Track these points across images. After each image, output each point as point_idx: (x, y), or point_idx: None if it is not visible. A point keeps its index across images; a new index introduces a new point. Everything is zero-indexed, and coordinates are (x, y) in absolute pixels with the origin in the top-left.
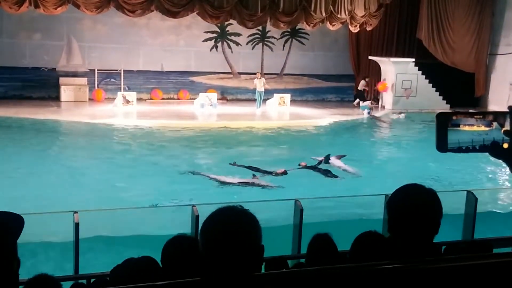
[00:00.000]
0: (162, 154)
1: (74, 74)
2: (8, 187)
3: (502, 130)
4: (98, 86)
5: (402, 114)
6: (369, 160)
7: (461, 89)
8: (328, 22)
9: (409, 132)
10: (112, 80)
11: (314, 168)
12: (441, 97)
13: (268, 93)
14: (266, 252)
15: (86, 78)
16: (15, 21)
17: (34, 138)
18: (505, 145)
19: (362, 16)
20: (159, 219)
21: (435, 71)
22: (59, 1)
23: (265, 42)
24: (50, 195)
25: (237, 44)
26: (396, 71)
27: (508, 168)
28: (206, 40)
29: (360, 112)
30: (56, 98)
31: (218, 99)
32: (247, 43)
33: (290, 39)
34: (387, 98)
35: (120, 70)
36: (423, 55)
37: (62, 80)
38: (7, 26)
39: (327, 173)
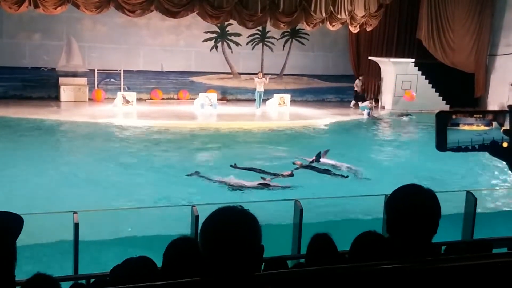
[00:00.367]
0: (163, 154)
1: (74, 74)
2: (7, 187)
3: (502, 129)
4: (98, 86)
5: (407, 117)
6: (369, 160)
7: (460, 89)
8: (328, 23)
9: (409, 132)
10: (112, 80)
11: (312, 167)
12: (441, 98)
13: (268, 93)
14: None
15: (86, 78)
16: (14, 21)
17: (33, 138)
18: (505, 144)
19: (362, 17)
20: (161, 219)
21: (435, 72)
22: (58, 1)
23: (265, 42)
24: (49, 195)
25: (237, 44)
26: (396, 72)
27: (508, 167)
28: (206, 40)
29: (360, 113)
30: (56, 98)
31: (218, 99)
32: (247, 43)
33: (290, 40)
34: (387, 98)
35: (120, 70)
36: (423, 56)
37: (61, 80)
38: (7, 26)
39: (329, 172)
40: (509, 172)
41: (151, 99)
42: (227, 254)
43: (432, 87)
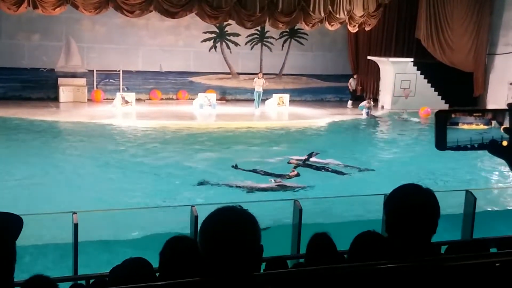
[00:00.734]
0: (164, 155)
1: (73, 75)
2: (7, 188)
3: (502, 128)
4: (97, 87)
5: (404, 114)
6: (369, 159)
7: (459, 88)
8: (326, 22)
9: (408, 132)
10: (111, 80)
11: (308, 166)
12: (440, 97)
13: (267, 93)
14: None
15: (85, 79)
16: (13, 22)
17: (33, 139)
18: (505, 143)
19: (360, 16)
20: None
21: (433, 71)
22: (57, 2)
23: (264, 42)
24: (48, 196)
25: (236, 44)
26: (395, 71)
27: (508, 166)
28: (205, 40)
29: (359, 112)
30: (55, 98)
31: (217, 100)
32: (246, 43)
33: (289, 39)
34: (386, 98)
35: (119, 71)
36: (422, 55)
37: (61, 80)
38: (6, 26)
39: (327, 169)
40: (509, 170)
41: (150, 99)
42: (226, 254)
43: (431, 86)
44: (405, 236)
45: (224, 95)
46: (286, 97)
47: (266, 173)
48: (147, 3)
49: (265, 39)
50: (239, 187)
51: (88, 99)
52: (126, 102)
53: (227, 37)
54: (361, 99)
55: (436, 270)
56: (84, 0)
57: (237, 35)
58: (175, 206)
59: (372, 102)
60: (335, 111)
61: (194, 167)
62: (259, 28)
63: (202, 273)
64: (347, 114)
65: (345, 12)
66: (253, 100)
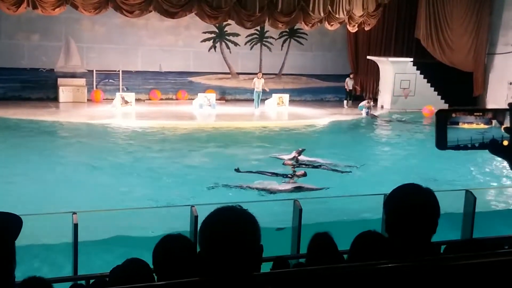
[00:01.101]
0: (165, 155)
1: (73, 75)
2: (6, 188)
3: (502, 127)
4: (96, 87)
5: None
6: (369, 159)
7: (459, 88)
8: (326, 22)
9: (408, 132)
10: (110, 80)
11: (303, 165)
12: (440, 97)
13: (267, 93)
14: None
15: (84, 79)
16: (13, 22)
17: (32, 139)
18: (505, 143)
19: (360, 16)
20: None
21: (433, 71)
22: (57, 2)
23: (264, 42)
24: (48, 196)
25: (236, 44)
26: (395, 71)
27: (508, 165)
28: (204, 40)
29: (359, 112)
30: (55, 99)
31: (216, 100)
32: (245, 43)
33: (289, 39)
34: (385, 98)
35: (119, 71)
36: (422, 55)
37: (60, 81)
38: (5, 27)
39: (323, 168)
40: (510, 170)
41: (149, 99)
42: (226, 254)
43: (431, 86)
44: (405, 236)
45: (224, 95)
46: (286, 97)
47: (273, 174)
48: (146, 3)
49: (264, 39)
50: (258, 189)
51: (87, 99)
52: (126, 102)
53: (227, 37)
54: (361, 99)
55: (436, 270)
56: (84, 0)
57: (237, 35)
58: (175, 206)
59: (372, 102)
60: (335, 111)
61: (198, 168)
62: (258, 28)
63: (202, 273)
64: (347, 114)
65: (345, 12)
66: (253, 100)
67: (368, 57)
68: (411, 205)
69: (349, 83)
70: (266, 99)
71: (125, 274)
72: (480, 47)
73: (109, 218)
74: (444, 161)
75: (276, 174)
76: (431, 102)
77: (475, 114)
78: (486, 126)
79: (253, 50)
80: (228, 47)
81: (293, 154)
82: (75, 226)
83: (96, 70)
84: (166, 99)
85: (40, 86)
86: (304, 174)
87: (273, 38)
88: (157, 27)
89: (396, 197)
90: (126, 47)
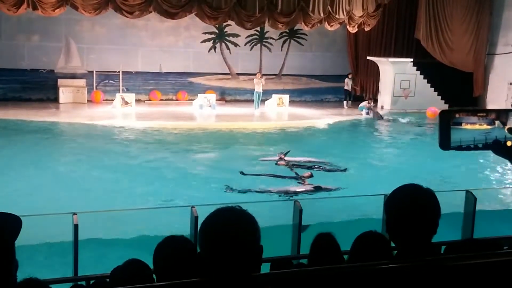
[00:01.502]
0: (167, 156)
1: (73, 76)
2: (6, 188)
3: (506, 128)
4: (96, 88)
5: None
6: (368, 159)
7: (459, 88)
8: (326, 23)
9: (407, 132)
10: (110, 81)
11: (297, 165)
12: (440, 97)
13: (267, 94)
14: None
15: (84, 80)
16: (13, 23)
17: (32, 140)
18: (509, 143)
19: (360, 17)
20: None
21: (433, 71)
22: (57, 3)
23: (264, 43)
24: (48, 197)
25: (236, 45)
26: (395, 71)
27: (511, 166)
28: (204, 41)
29: (359, 113)
30: (55, 99)
31: (216, 100)
32: (245, 44)
33: (288, 40)
34: (385, 98)
35: (119, 72)
36: (422, 55)
37: (60, 81)
38: (6, 28)
39: (320, 167)
40: None
41: (149, 100)
42: (226, 254)
43: (431, 86)
44: (406, 236)
45: (224, 96)
46: (286, 97)
47: (280, 176)
48: (146, 4)
49: (264, 40)
50: (279, 192)
51: (88, 100)
52: (126, 103)
53: (227, 37)
54: (360, 99)
55: (436, 270)
56: (84, 1)
57: (237, 35)
58: (175, 207)
59: (372, 103)
60: (335, 112)
61: (199, 169)
62: (258, 28)
63: (202, 274)
64: (347, 114)
65: (345, 13)
66: (253, 100)
67: (368, 57)
68: (411, 205)
69: (348, 84)
70: (266, 99)
71: (125, 275)
72: (480, 48)
73: (109, 218)
74: (444, 161)
75: (282, 177)
76: (431, 102)
77: (478, 114)
78: (489, 127)
79: (253, 51)
80: (228, 48)
81: (278, 155)
82: (75, 226)
83: (96, 71)
84: (166, 99)
85: (40, 87)
86: (311, 175)
87: (273, 38)
88: (157, 28)
89: (396, 197)
90: (126, 48)
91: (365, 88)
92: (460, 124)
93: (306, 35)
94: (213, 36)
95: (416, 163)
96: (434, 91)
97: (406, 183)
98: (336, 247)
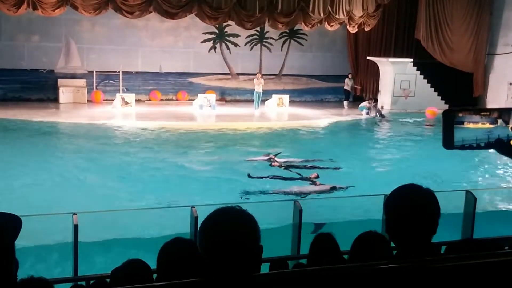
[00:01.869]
0: (167, 156)
1: (73, 76)
2: (6, 189)
3: (510, 127)
4: (96, 88)
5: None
6: (369, 159)
7: (459, 89)
8: (326, 23)
9: (407, 132)
10: (110, 81)
11: (291, 166)
12: (440, 97)
13: (267, 94)
14: None
15: (84, 80)
16: (13, 23)
17: (32, 140)
18: None
19: (360, 17)
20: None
21: (433, 71)
22: (57, 3)
23: (264, 43)
24: (48, 197)
25: (236, 45)
26: (395, 71)
27: None
28: (204, 41)
29: (359, 113)
30: (55, 100)
31: (216, 100)
32: (245, 44)
33: (289, 40)
34: (385, 99)
35: (119, 72)
36: (422, 55)
37: (60, 81)
38: (6, 28)
39: (313, 166)
40: None
41: (150, 100)
42: (226, 254)
43: (431, 86)
44: (405, 236)
45: (224, 96)
46: (286, 97)
47: (286, 178)
48: (146, 4)
49: (264, 40)
50: (297, 193)
51: (88, 100)
52: (126, 103)
53: (227, 37)
54: (361, 99)
55: (436, 270)
56: (84, 1)
57: (237, 35)
58: (175, 207)
59: (373, 103)
60: (335, 112)
61: (201, 169)
62: (258, 28)
63: (202, 274)
64: (347, 115)
65: (345, 13)
66: (253, 100)
67: (368, 57)
68: (411, 205)
69: (348, 84)
70: (266, 99)
71: (126, 275)
72: (480, 48)
73: (109, 218)
74: (444, 161)
75: (291, 179)
76: (432, 102)
77: (481, 114)
78: (491, 126)
79: (253, 51)
80: (228, 48)
81: (267, 156)
82: (75, 227)
83: (96, 71)
84: (166, 100)
85: (40, 87)
86: (318, 176)
87: (273, 38)
88: (157, 28)
89: (396, 197)
90: (126, 48)
91: (365, 88)
92: (462, 123)
93: (306, 35)
94: (213, 36)
95: (416, 163)
96: (434, 91)
97: (407, 182)
98: (335, 247)
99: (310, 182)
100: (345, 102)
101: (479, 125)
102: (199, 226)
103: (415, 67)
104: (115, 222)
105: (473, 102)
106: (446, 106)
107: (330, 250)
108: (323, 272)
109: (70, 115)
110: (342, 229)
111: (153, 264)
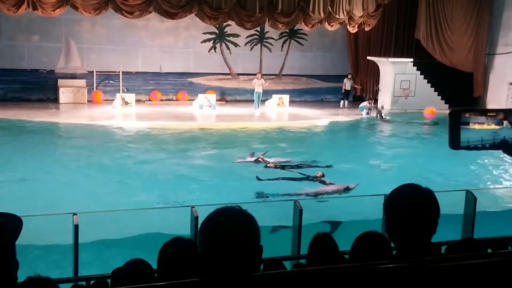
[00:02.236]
0: (167, 157)
1: (73, 76)
2: (6, 189)
3: None
4: (96, 88)
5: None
6: (369, 159)
7: (459, 89)
8: (326, 23)
9: (407, 132)
10: (110, 81)
11: (285, 166)
12: (440, 97)
13: (267, 94)
14: None
15: (84, 80)
16: (13, 23)
17: (32, 140)
18: None
19: (360, 17)
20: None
21: (433, 71)
22: (57, 3)
23: (264, 43)
24: (48, 197)
25: (236, 45)
26: (395, 71)
27: None
28: (204, 41)
29: (359, 113)
30: (55, 100)
31: (216, 100)
32: (245, 44)
33: (289, 40)
34: (385, 98)
35: (119, 72)
36: (422, 55)
37: (60, 82)
38: (6, 28)
39: (308, 165)
40: None
41: (150, 100)
42: (226, 254)
43: (431, 86)
44: (405, 236)
45: (224, 96)
46: (286, 97)
47: (294, 179)
48: (146, 4)
49: (264, 40)
50: (316, 195)
51: (88, 100)
52: (126, 103)
53: (227, 37)
54: (361, 99)
55: (436, 270)
56: (84, 1)
57: (237, 35)
58: (175, 207)
59: (373, 103)
60: (335, 112)
61: (202, 170)
62: (258, 28)
63: (202, 274)
64: (347, 114)
65: (345, 13)
66: (253, 100)
67: (368, 57)
68: (411, 205)
69: (347, 84)
70: (266, 99)
71: (127, 275)
72: (480, 48)
73: (110, 218)
74: (444, 161)
75: (300, 179)
76: (432, 102)
77: (487, 114)
78: (497, 127)
79: (253, 51)
80: (228, 48)
81: (254, 157)
82: (76, 227)
83: (96, 71)
84: (166, 100)
85: (40, 87)
86: (323, 175)
87: (273, 38)
88: (157, 28)
89: (396, 197)
90: (126, 48)
91: (365, 88)
92: (468, 124)
93: (306, 35)
94: (213, 36)
95: (417, 163)
96: (434, 91)
97: (408, 182)
98: (334, 247)
99: (319, 182)
100: (342, 102)
101: (485, 126)
102: (199, 226)
103: (415, 67)
104: (115, 222)
105: (473, 102)
106: (446, 106)
107: (329, 250)
108: (323, 272)
109: (70, 115)
110: (357, 228)
111: (153, 264)
